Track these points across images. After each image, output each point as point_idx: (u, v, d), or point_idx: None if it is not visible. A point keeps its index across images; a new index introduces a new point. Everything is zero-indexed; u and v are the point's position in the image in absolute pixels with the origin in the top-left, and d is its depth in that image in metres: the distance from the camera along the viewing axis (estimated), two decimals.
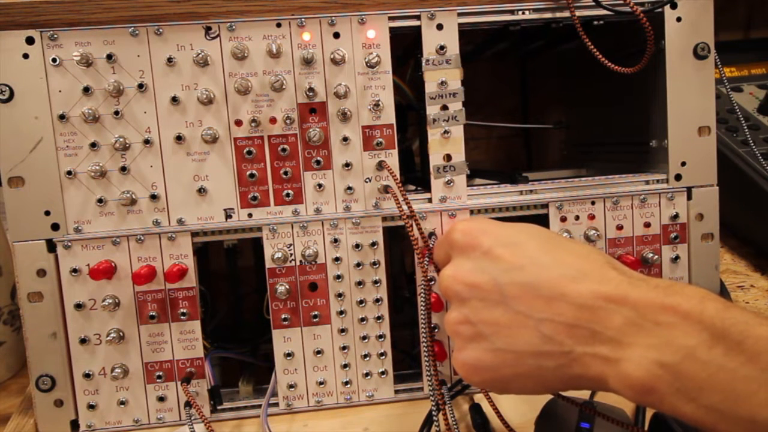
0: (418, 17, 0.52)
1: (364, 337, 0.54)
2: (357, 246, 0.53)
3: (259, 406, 0.53)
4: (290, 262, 0.53)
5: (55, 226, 0.51)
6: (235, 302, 0.67)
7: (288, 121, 0.52)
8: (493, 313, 0.36)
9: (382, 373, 0.55)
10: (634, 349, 0.31)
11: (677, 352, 0.30)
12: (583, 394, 0.51)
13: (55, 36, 0.49)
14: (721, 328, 0.30)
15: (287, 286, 0.53)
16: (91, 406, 0.52)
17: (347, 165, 0.53)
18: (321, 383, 0.54)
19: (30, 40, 0.49)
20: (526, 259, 0.37)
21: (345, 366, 0.54)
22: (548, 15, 0.54)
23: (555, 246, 0.38)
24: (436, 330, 0.55)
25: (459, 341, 0.38)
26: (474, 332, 0.37)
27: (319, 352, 0.54)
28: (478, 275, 0.38)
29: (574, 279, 0.35)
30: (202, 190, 0.52)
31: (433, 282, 0.53)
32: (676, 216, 0.56)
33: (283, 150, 0.52)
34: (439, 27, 0.52)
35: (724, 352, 0.29)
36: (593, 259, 0.36)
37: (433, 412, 0.46)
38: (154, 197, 0.51)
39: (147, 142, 0.51)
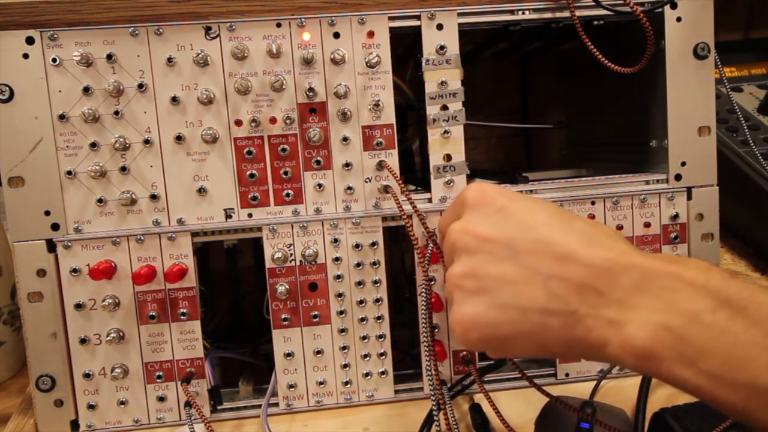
0: (418, 17, 0.52)
1: (364, 337, 0.54)
2: (357, 246, 0.53)
3: (259, 406, 0.53)
4: (290, 262, 0.53)
5: (55, 226, 0.51)
6: (235, 302, 0.67)
7: (288, 121, 0.52)
8: (501, 267, 0.36)
9: (382, 373, 0.55)
10: (638, 312, 0.31)
11: (681, 316, 0.30)
12: (583, 394, 0.51)
13: (55, 36, 0.49)
14: (726, 294, 0.30)
15: (287, 286, 0.53)
16: (91, 406, 0.52)
17: (347, 165, 0.53)
18: (321, 383, 0.54)
19: (30, 40, 0.49)
20: (540, 219, 0.37)
21: (345, 366, 0.54)
22: (548, 15, 0.54)
23: (568, 215, 0.38)
24: (436, 330, 0.55)
25: (461, 295, 0.37)
26: (478, 286, 0.36)
27: (319, 352, 0.54)
28: (490, 229, 0.37)
29: (586, 244, 0.35)
30: (202, 190, 0.52)
31: (433, 282, 0.53)
32: (676, 216, 0.56)
33: (283, 150, 0.52)
34: (439, 27, 0.52)
35: (728, 316, 0.29)
36: (604, 231, 0.37)
37: (434, 412, 0.46)
38: (154, 197, 0.51)
39: (147, 142, 0.51)
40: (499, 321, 0.35)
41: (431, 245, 0.52)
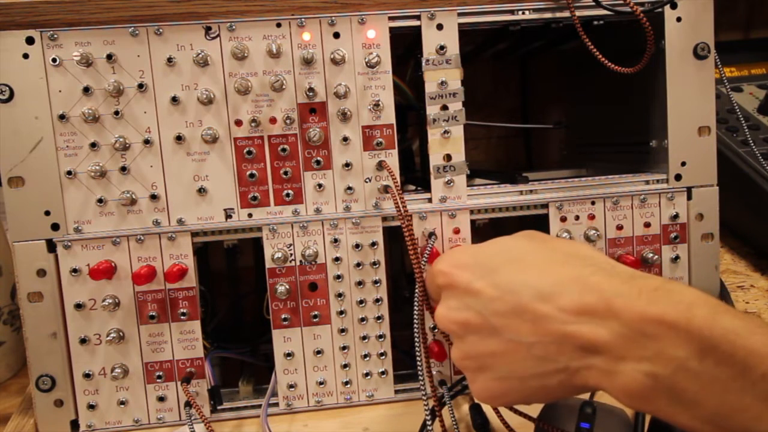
0: (418, 17, 0.52)
1: (364, 337, 0.54)
2: (357, 246, 0.53)
3: (259, 406, 0.53)
4: (290, 262, 0.53)
5: (55, 226, 0.51)
6: (235, 302, 0.67)
7: (288, 121, 0.52)
8: (489, 344, 0.37)
9: (382, 373, 0.55)
10: (626, 362, 0.31)
11: (668, 364, 0.30)
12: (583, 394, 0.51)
13: (55, 36, 0.49)
14: (710, 339, 0.29)
15: (287, 286, 0.53)
16: (91, 406, 0.52)
17: (347, 165, 0.52)
18: (321, 383, 0.54)
19: (30, 40, 0.49)
20: (502, 287, 0.37)
21: (345, 366, 0.54)
22: (548, 15, 0.54)
23: (533, 260, 0.38)
24: (435, 330, 0.55)
25: (468, 374, 0.40)
26: (477, 365, 0.38)
27: (319, 352, 0.54)
28: (464, 312, 0.39)
29: (553, 295, 0.34)
30: (202, 190, 0.52)
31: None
32: (676, 216, 0.56)
33: (283, 150, 0.52)
34: (439, 27, 0.52)
35: (715, 363, 0.29)
36: (574, 265, 0.36)
37: (427, 419, 0.47)
38: (154, 197, 0.51)
39: (147, 142, 0.51)
40: (506, 391, 0.38)
41: (430, 245, 0.52)
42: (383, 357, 0.55)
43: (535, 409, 0.45)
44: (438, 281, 0.42)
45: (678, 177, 0.56)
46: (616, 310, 0.32)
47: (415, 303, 0.48)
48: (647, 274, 0.36)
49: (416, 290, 0.48)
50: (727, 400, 0.29)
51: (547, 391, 0.36)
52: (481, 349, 0.38)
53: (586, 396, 0.51)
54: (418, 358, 0.48)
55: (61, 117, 0.50)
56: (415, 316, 0.48)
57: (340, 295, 0.54)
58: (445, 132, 0.53)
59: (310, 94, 0.51)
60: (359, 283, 0.54)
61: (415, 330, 0.48)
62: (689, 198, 0.57)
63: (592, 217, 0.56)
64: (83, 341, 0.52)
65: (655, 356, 0.30)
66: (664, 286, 0.32)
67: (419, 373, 0.48)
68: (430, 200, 0.54)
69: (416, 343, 0.48)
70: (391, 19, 0.52)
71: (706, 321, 0.29)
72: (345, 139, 0.52)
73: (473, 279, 0.39)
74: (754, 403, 0.28)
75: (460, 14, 0.53)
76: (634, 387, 0.31)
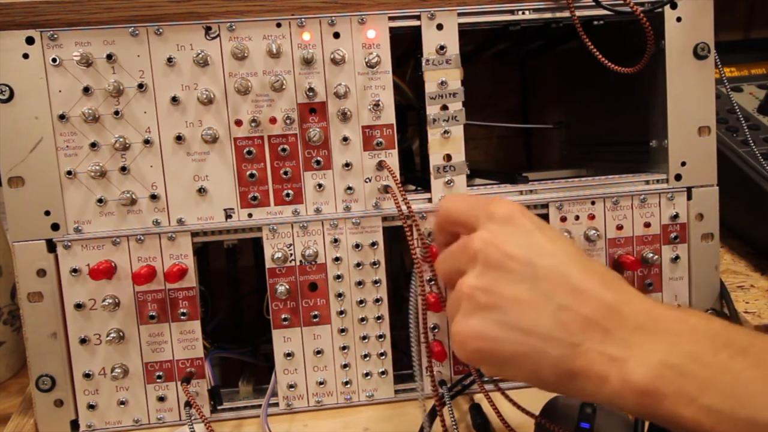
0: (418, 17, 0.52)
1: (364, 337, 0.54)
2: (357, 246, 0.53)
3: (259, 406, 0.53)
4: (290, 262, 0.53)
5: (55, 226, 0.51)
6: (235, 302, 0.67)
7: (288, 121, 0.52)
8: (517, 288, 0.36)
9: (382, 373, 0.55)
10: (640, 350, 0.32)
11: (683, 355, 0.31)
12: None
13: (55, 36, 0.49)
14: (726, 338, 0.31)
15: (287, 286, 0.53)
16: (91, 406, 0.52)
17: (347, 165, 0.52)
18: (321, 383, 0.54)
19: (30, 40, 0.49)
20: (562, 251, 0.37)
21: (345, 366, 0.54)
22: (548, 15, 0.54)
23: (584, 255, 0.39)
24: (436, 330, 0.55)
25: (469, 306, 0.37)
26: (489, 302, 0.36)
27: (319, 352, 0.54)
28: (516, 248, 0.37)
29: (601, 284, 0.35)
30: (202, 190, 0.52)
31: (432, 282, 0.53)
32: (676, 216, 0.56)
33: (283, 150, 0.52)
34: (439, 27, 0.52)
35: (729, 356, 0.30)
36: (616, 276, 0.37)
37: (425, 421, 0.46)
38: (154, 197, 0.51)
39: (147, 142, 0.51)
40: (499, 338, 0.35)
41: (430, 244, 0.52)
42: (383, 357, 0.55)
43: (535, 407, 0.45)
44: (496, 210, 0.39)
45: (678, 177, 0.56)
46: (647, 307, 0.34)
47: (411, 297, 0.48)
48: None
49: (411, 282, 0.48)
50: (737, 388, 0.29)
51: (538, 361, 0.34)
52: (506, 288, 0.36)
53: None
54: (413, 356, 0.48)
55: (61, 117, 0.50)
56: (410, 309, 0.48)
57: (340, 295, 0.54)
58: (445, 132, 0.53)
59: (310, 94, 0.51)
60: (359, 283, 0.54)
61: (412, 325, 0.48)
62: (689, 198, 0.57)
63: (592, 217, 0.56)
64: (83, 341, 0.52)
65: (671, 347, 0.31)
66: (685, 308, 0.35)
67: (413, 363, 0.48)
68: (430, 200, 0.54)
69: (415, 332, 0.48)
70: (391, 19, 0.52)
71: (724, 327, 0.32)
72: (345, 139, 0.52)
73: (536, 230, 0.38)
74: (764, 392, 0.28)
75: (460, 14, 0.53)
76: (642, 373, 0.31)
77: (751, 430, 0.28)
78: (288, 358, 0.54)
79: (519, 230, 0.38)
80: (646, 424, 0.46)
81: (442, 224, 0.44)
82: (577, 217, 0.56)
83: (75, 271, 0.51)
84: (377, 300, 0.54)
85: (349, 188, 0.53)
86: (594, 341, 0.33)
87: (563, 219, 0.56)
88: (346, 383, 0.55)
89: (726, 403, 0.29)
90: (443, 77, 0.53)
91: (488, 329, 0.36)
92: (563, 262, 0.36)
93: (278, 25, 0.51)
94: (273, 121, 0.52)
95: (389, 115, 0.53)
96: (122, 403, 0.53)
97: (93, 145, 0.50)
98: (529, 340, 0.35)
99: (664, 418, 0.31)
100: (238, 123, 0.52)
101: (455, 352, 0.38)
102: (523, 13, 0.54)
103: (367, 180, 0.53)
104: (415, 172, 0.67)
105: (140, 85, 0.50)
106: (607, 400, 0.33)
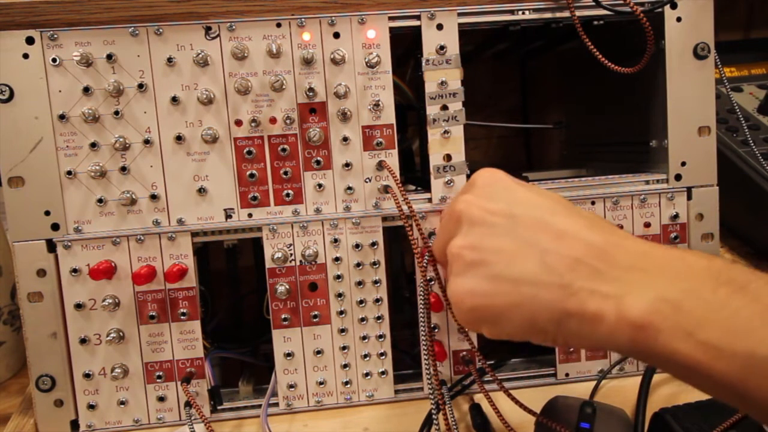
0: (418, 17, 0.52)
1: (364, 337, 0.54)
2: (357, 246, 0.53)
3: (259, 406, 0.53)
4: (290, 262, 0.53)
5: (55, 226, 0.51)
6: (235, 302, 0.67)
7: (288, 121, 0.52)
8: (500, 240, 0.36)
9: (382, 373, 0.55)
10: (636, 285, 0.32)
11: (681, 291, 0.30)
12: (583, 394, 0.51)
13: (55, 36, 0.49)
14: (727, 276, 0.30)
15: (287, 286, 0.53)
16: (91, 406, 0.52)
17: (347, 165, 0.53)
18: (321, 383, 0.54)
19: (30, 40, 0.49)
20: (545, 202, 0.38)
21: (345, 366, 0.54)
22: (548, 15, 0.54)
23: (571, 205, 0.39)
24: (436, 330, 0.55)
25: (459, 265, 0.37)
26: (477, 258, 0.36)
27: (319, 352, 0.54)
28: (494, 203, 0.38)
29: (588, 227, 0.35)
30: (202, 190, 0.52)
31: (432, 282, 0.53)
32: (676, 216, 0.56)
33: (283, 150, 0.52)
34: (439, 27, 0.52)
35: (728, 293, 0.29)
36: (606, 221, 0.38)
37: (433, 413, 0.46)
38: (154, 197, 0.51)
39: (147, 142, 0.51)
40: (491, 292, 0.35)
41: (430, 244, 0.52)
42: (383, 357, 0.55)
43: (535, 407, 0.45)
44: (478, 179, 0.41)
45: (678, 177, 0.56)
46: (640, 247, 0.34)
47: (421, 304, 0.48)
48: None
49: (418, 279, 0.48)
50: (734, 323, 0.28)
51: (532, 308, 0.34)
52: (490, 242, 0.36)
53: (586, 396, 0.52)
54: (424, 351, 0.48)
55: (61, 117, 0.50)
56: (420, 310, 0.48)
57: (340, 295, 0.54)
58: (445, 132, 0.53)
59: (310, 94, 0.51)
60: (359, 283, 0.54)
61: (421, 324, 0.48)
62: (689, 198, 0.57)
63: None
64: (83, 341, 0.52)
65: (668, 283, 0.31)
66: (684, 249, 0.34)
67: (426, 367, 0.48)
68: (430, 200, 0.54)
69: (422, 336, 0.48)
70: (391, 19, 0.52)
71: (725, 265, 0.31)
72: (345, 139, 0.52)
73: (517, 186, 0.39)
74: (763, 326, 0.28)
75: (460, 14, 0.53)
76: (639, 307, 0.30)
77: (749, 364, 0.27)
78: (288, 358, 0.54)
79: (499, 186, 0.39)
80: (647, 424, 0.46)
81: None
82: None
83: (75, 271, 0.51)
84: (377, 300, 0.54)
85: (349, 188, 0.53)
86: (584, 280, 0.33)
87: None
88: (346, 383, 0.55)
89: (724, 338, 0.28)
90: (443, 77, 0.53)
91: (479, 285, 0.36)
92: (546, 211, 0.37)
93: (278, 25, 0.51)
94: (273, 121, 0.52)
95: (389, 115, 0.53)
96: (122, 403, 0.53)
97: (93, 145, 0.50)
98: (519, 289, 0.35)
99: (660, 354, 0.30)
100: (238, 123, 0.52)
101: (455, 317, 0.38)
102: (523, 13, 0.54)
103: (367, 180, 0.53)
104: (415, 172, 0.67)
105: (140, 85, 0.50)
106: (603, 339, 0.32)
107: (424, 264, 0.49)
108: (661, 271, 0.32)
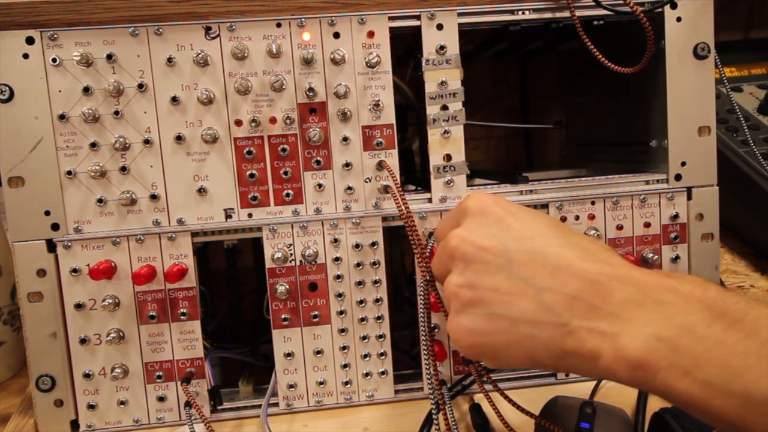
0: (418, 17, 0.52)
1: (364, 337, 0.54)
2: (357, 246, 0.53)
3: (259, 406, 0.53)
4: (290, 262, 0.53)
5: (55, 226, 0.51)
6: (235, 302, 0.67)
7: (288, 121, 0.52)
8: (495, 278, 0.36)
9: (382, 373, 0.55)
10: (632, 323, 0.31)
11: (676, 328, 0.30)
12: (583, 394, 0.51)
13: (55, 36, 0.49)
14: (722, 308, 0.30)
15: (287, 286, 0.53)
16: (91, 406, 0.52)
17: (347, 165, 0.53)
18: (321, 383, 0.54)
19: (30, 40, 0.49)
20: (537, 231, 0.37)
21: (345, 366, 0.54)
22: (548, 15, 0.54)
23: (565, 229, 0.39)
24: (436, 330, 0.55)
25: (457, 304, 0.38)
26: (474, 296, 0.37)
27: (319, 352, 0.54)
28: (487, 239, 0.38)
29: (582, 258, 0.35)
30: (202, 190, 0.52)
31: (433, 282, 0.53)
32: (676, 216, 0.56)
33: (283, 150, 0.52)
34: (439, 27, 0.52)
35: (723, 328, 0.29)
36: (600, 246, 0.37)
37: (433, 413, 0.46)
38: (154, 197, 0.51)
39: (147, 142, 0.51)
40: (489, 330, 0.36)
41: (431, 244, 0.52)
42: (383, 357, 0.55)
43: (535, 406, 0.45)
44: (469, 205, 0.40)
45: (678, 177, 0.56)
46: (634, 278, 0.33)
47: (420, 304, 0.48)
48: None
49: (418, 279, 0.48)
50: (731, 362, 0.28)
51: (530, 346, 0.35)
52: (486, 280, 0.36)
53: (586, 396, 0.52)
54: (424, 351, 0.48)
55: (61, 117, 0.50)
56: (420, 310, 0.48)
57: (340, 295, 0.54)
58: (445, 132, 0.53)
59: (310, 94, 0.51)
60: (359, 283, 0.54)
61: (421, 324, 0.48)
62: (689, 198, 0.57)
63: (592, 217, 0.56)
64: (83, 341, 0.52)
65: (663, 320, 0.31)
66: (679, 273, 0.34)
67: (425, 368, 0.48)
68: (430, 200, 0.54)
69: (422, 336, 0.48)
70: (391, 19, 0.52)
71: (719, 294, 0.31)
72: (345, 139, 0.52)
73: (508, 215, 0.38)
74: (759, 363, 0.28)
75: (460, 14, 0.53)
76: (635, 347, 0.31)
77: (746, 403, 0.27)
78: (288, 358, 0.54)
79: (490, 219, 0.39)
80: (646, 424, 0.46)
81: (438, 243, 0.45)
82: (577, 217, 0.56)
83: (75, 271, 0.51)
84: (377, 300, 0.54)
85: (349, 188, 0.53)
86: (582, 318, 0.33)
87: (563, 219, 0.56)
88: (346, 383, 0.55)
89: (720, 377, 0.28)
90: (443, 77, 0.53)
91: (477, 323, 0.36)
92: (539, 243, 0.36)
93: (278, 25, 0.51)
94: (273, 121, 0.52)
95: (389, 115, 0.53)
96: (122, 403, 0.53)
97: (93, 145, 0.50)
98: (517, 328, 0.35)
99: (659, 390, 0.30)
100: (238, 123, 0.52)
101: (456, 349, 0.39)
102: (523, 13, 0.54)
103: (367, 180, 0.53)
104: (415, 172, 0.67)
105: (140, 85, 0.50)
106: (603, 374, 0.33)
107: (425, 264, 0.49)
108: (656, 304, 0.32)
